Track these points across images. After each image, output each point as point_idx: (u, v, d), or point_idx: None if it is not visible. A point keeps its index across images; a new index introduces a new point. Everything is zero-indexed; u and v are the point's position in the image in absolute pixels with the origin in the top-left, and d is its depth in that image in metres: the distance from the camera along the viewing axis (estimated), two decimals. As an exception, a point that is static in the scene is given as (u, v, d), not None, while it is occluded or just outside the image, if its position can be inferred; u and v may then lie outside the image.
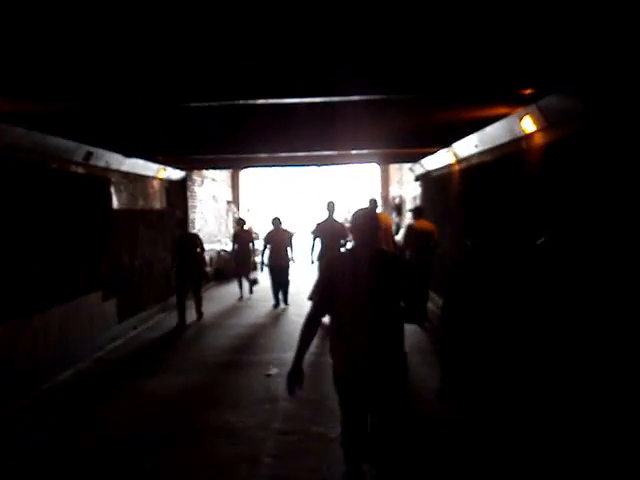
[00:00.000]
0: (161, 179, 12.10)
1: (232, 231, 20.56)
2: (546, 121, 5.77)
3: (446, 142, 9.57)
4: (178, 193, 13.54)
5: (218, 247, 17.93)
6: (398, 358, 3.90)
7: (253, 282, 14.31)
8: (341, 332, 3.86)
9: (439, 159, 10.73)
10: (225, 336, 9.85)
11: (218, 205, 18.69)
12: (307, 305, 4.42)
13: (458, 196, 10.01)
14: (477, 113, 6.71)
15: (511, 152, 7.10)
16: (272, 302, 12.46)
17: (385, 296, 3.78)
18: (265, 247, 12.31)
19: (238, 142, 9.34)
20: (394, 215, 18.61)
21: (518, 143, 6.73)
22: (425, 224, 10.23)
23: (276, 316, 11.58)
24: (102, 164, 9.12)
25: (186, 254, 10.90)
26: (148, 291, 11.30)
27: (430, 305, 10.10)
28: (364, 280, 3.75)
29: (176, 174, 12.99)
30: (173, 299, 11.27)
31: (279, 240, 12.23)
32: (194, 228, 15.14)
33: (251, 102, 5.51)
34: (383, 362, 3.80)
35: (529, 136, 6.35)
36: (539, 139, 6.16)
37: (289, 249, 12.26)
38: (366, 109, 6.43)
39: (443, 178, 11.17)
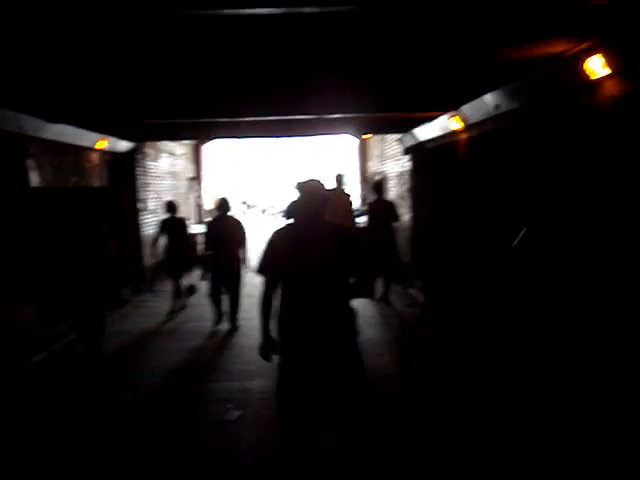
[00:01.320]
0: (101, 151, 10.01)
1: (194, 210, 18.55)
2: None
3: (451, 104, 7.69)
4: (125, 169, 11.45)
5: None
6: (351, 334, 3.85)
7: (189, 291, 10.48)
8: (290, 307, 3.78)
9: (438, 126, 8.85)
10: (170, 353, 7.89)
11: (178, 183, 16.61)
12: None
13: (469, 171, 8.16)
14: (517, 53, 4.78)
15: (561, 110, 5.23)
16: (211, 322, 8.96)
17: (334, 270, 3.70)
18: (208, 242, 8.78)
19: (197, 103, 7.44)
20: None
21: (576, 94, 4.83)
22: (386, 200, 10.97)
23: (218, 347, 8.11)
24: (13, 129, 7.04)
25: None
26: (86, 292, 9.23)
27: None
28: (313, 253, 3.68)
29: (122, 146, 10.89)
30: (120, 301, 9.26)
31: (227, 232, 8.58)
32: (146, 210, 13.08)
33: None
34: (336, 340, 3.74)
35: (597, 83, 4.45)
36: (611, 88, 4.29)
37: (243, 247, 8.63)
38: (347, 60, 4.85)
39: (443, 150, 9.30)
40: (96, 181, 9.89)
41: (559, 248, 5.17)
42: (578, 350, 4.82)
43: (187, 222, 10.69)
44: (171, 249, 9.79)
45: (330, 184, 11.01)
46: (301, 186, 3.90)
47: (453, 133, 8.43)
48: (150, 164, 13.48)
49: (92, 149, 9.60)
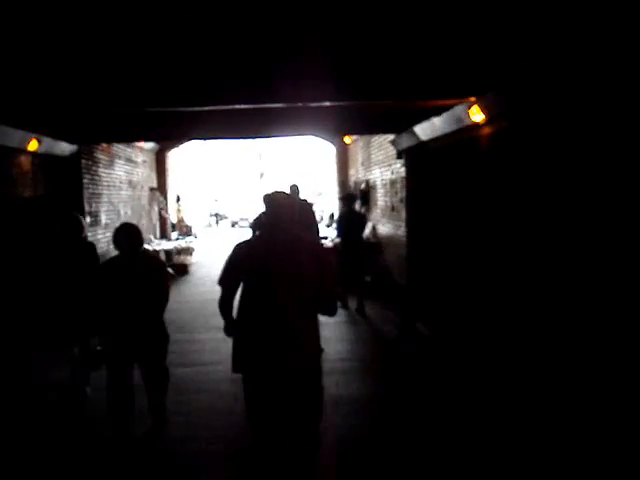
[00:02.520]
0: (33, 154, 8.16)
1: (157, 223, 16.72)
2: None
3: (472, 88, 6.06)
4: (67, 176, 9.59)
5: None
6: (314, 352, 3.86)
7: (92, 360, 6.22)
8: (251, 321, 3.75)
9: (449, 120, 7.19)
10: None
11: (137, 193, 14.77)
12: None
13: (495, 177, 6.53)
14: None
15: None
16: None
17: (301, 284, 3.64)
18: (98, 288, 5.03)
19: (155, 87, 5.78)
20: (357, 204, 15.07)
21: None
22: (356, 212, 11.01)
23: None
24: None
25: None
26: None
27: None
28: (280, 267, 3.63)
29: (62, 148, 9.04)
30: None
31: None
32: (98, 224, 11.23)
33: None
34: (297, 355, 3.71)
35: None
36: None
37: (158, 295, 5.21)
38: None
39: (453, 150, 7.66)
40: (25, 190, 8.03)
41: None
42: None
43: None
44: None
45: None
46: (268, 198, 3.80)
47: (469, 128, 6.79)
48: (102, 172, 11.65)
49: (20, 151, 7.74)
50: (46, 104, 6.16)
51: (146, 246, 14.24)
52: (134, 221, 14.14)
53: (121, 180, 13.19)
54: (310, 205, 10.82)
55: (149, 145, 16.04)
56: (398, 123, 9.18)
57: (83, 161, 10.33)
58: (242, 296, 3.86)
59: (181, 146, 18.31)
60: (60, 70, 5.48)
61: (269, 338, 3.68)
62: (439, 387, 6.27)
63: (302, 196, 10.97)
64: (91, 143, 10.48)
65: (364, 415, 5.56)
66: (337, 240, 10.66)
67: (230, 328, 3.98)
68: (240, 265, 3.77)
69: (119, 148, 13.06)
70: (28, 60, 5.35)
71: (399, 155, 10.12)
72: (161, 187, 17.37)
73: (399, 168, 10.56)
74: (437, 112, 7.44)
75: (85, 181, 10.41)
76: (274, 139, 33.16)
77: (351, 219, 10.40)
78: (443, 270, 8.44)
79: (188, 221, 18.75)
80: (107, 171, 12.02)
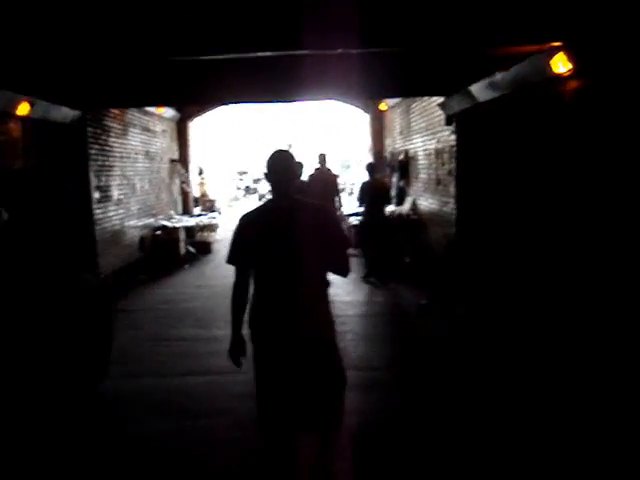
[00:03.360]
0: (24, 119, 7.00)
1: (179, 198, 15.63)
2: None
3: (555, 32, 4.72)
4: (70, 145, 8.46)
5: (155, 223, 12.94)
6: (330, 329, 3.48)
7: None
8: (264, 298, 3.40)
9: (521, 74, 5.84)
10: None
11: (155, 165, 13.63)
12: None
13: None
14: None
15: None
16: None
17: (311, 253, 3.30)
18: None
19: (169, 36, 4.62)
20: (395, 177, 13.77)
21: None
22: (379, 181, 10.57)
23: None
24: None
25: None
26: None
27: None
28: (286, 237, 3.28)
29: (62, 114, 7.88)
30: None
31: None
32: (109, 200, 10.12)
33: None
34: (314, 334, 3.37)
35: None
36: None
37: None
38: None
39: (523, 112, 6.32)
40: (16, 161, 6.91)
41: None
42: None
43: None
44: None
45: (320, 164, 10.83)
46: (268, 160, 3.40)
47: (547, 84, 5.45)
48: (114, 141, 10.51)
49: (8, 115, 6.60)
50: (41, 59, 5.02)
51: (165, 222, 13.17)
52: (152, 196, 13.07)
53: (137, 151, 12.04)
54: (335, 176, 10.98)
55: (169, 113, 14.86)
56: (448, 83, 7.84)
57: (90, 129, 9.18)
58: (255, 283, 3.47)
59: (204, 115, 17.09)
60: (58, 12, 4.33)
61: (281, 312, 3.35)
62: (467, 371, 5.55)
63: (329, 167, 11.12)
64: (99, 109, 9.32)
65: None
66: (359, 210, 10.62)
67: (237, 348, 3.50)
68: (246, 237, 3.40)
69: (134, 116, 11.90)
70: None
71: (448, 121, 8.77)
72: (183, 159, 16.21)
73: (447, 136, 9.23)
74: (501, 65, 6.09)
75: (93, 152, 9.27)
76: (303, 108, 31.68)
77: (372, 189, 10.11)
78: (495, 251, 7.19)
79: (212, 195, 17.60)
80: (120, 141, 10.87)
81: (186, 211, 15.99)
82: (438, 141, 9.84)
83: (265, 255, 3.34)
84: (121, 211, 10.77)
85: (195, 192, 16.80)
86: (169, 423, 4.64)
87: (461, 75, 7.26)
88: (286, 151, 3.50)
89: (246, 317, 3.49)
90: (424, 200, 11.28)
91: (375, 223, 10.06)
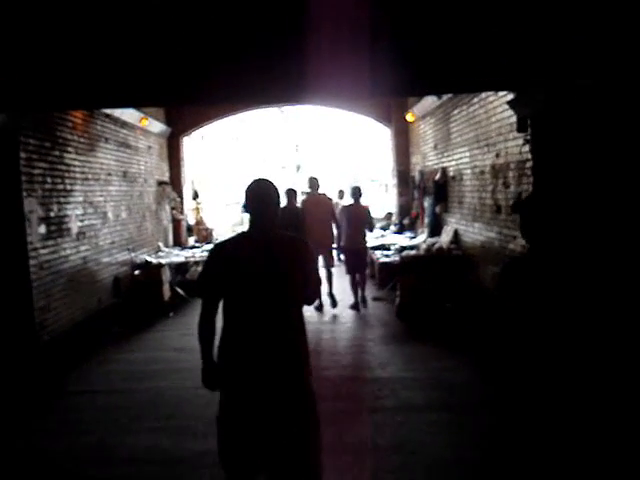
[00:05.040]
0: None
1: (169, 227, 13.25)
2: None
3: None
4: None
5: (136, 259, 10.54)
6: (304, 364, 3.25)
7: None
8: (234, 331, 3.21)
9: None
10: None
11: (137, 189, 11.25)
12: None
13: None
14: None
15: None
16: None
17: (285, 286, 3.20)
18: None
19: None
20: (428, 201, 11.35)
21: None
22: (361, 206, 9.90)
23: None
24: None
25: None
26: None
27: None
28: (260, 268, 3.15)
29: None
30: None
31: None
32: (66, 235, 7.72)
33: None
34: (286, 370, 3.17)
35: None
36: None
37: None
38: None
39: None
40: None
41: None
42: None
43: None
44: None
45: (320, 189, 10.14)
46: (247, 190, 3.29)
47: None
48: (74, 159, 8.15)
49: None
50: None
51: (148, 258, 10.79)
52: (131, 227, 10.69)
53: (110, 171, 9.66)
54: (330, 200, 10.28)
55: (157, 127, 12.54)
56: (523, 69, 5.41)
57: (32, 141, 6.82)
58: (224, 316, 3.25)
59: (200, 129, 14.79)
60: None
61: (251, 346, 3.13)
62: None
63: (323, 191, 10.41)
64: (42, 111, 6.95)
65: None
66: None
67: (210, 374, 3.23)
68: (218, 268, 3.21)
69: (106, 127, 9.56)
70: None
71: (521, 126, 6.31)
72: (174, 181, 13.83)
73: (513, 147, 6.79)
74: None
75: (36, 172, 6.89)
76: (315, 123, 29.27)
77: (356, 212, 9.69)
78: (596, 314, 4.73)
79: (209, 223, 15.16)
80: (83, 158, 8.51)
81: (178, 242, 13.57)
82: (498, 155, 7.40)
83: (237, 286, 3.18)
84: (84, 247, 8.38)
85: (189, 219, 14.38)
86: None
87: (544, 58, 4.87)
88: (266, 180, 3.35)
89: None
90: (472, 231, 8.81)
91: (355, 250, 9.67)
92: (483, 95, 7.82)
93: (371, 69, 5.13)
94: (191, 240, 14.05)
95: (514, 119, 6.67)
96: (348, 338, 8.28)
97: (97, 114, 9.12)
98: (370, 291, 10.82)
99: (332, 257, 9.99)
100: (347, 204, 10.31)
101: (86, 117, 8.66)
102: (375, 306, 9.93)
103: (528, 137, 6.33)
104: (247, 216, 3.42)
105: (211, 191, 17.51)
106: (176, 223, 13.65)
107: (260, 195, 3.22)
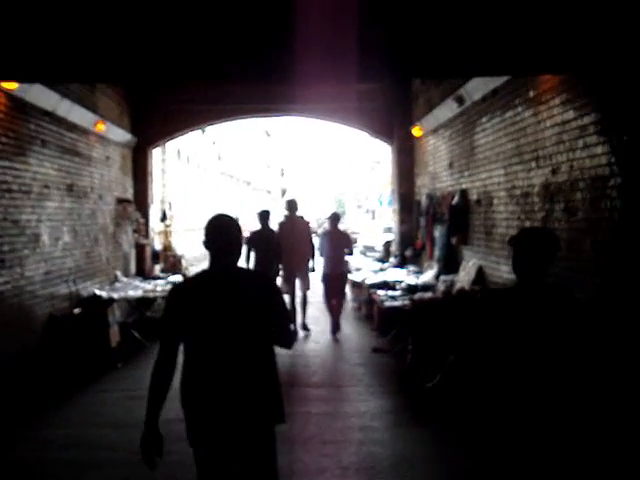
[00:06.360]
0: None
1: (131, 253, 11.23)
2: None
3: None
4: None
5: (82, 291, 8.51)
6: (271, 414, 3.12)
7: None
8: (197, 374, 3.07)
9: None
10: None
11: (88, 206, 9.23)
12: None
13: None
14: None
15: None
16: None
17: (253, 324, 3.08)
18: None
19: None
20: (439, 231, 9.46)
21: None
22: (340, 231, 10.19)
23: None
24: None
25: None
26: None
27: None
28: (223, 306, 3.04)
29: None
30: None
31: None
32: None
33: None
34: (252, 419, 3.06)
35: None
36: None
37: None
38: None
39: None
40: None
41: None
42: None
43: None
44: None
45: (285, 212, 10.10)
46: (207, 226, 3.17)
47: None
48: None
49: None
50: None
51: (98, 291, 8.77)
52: (77, 252, 8.66)
53: (47, 182, 7.66)
54: (307, 224, 10.17)
55: (119, 136, 10.59)
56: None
57: None
58: (186, 360, 3.08)
59: (173, 140, 12.86)
60: None
61: (217, 389, 3.00)
62: None
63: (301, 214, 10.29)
64: None
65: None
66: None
67: (150, 444, 2.94)
68: (179, 310, 3.04)
69: (44, 127, 7.59)
70: None
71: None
72: (139, 199, 11.82)
73: (584, 159, 4.91)
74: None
75: None
76: (304, 143, 27.97)
77: (335, 237, 9.85)
78: None
79: (179, 249, 13.08)
80: (3, 163, 6.52)
81: (141, 271, 11.50)
82: (555, 171, 5.49)
83: (198, 327, 3.03)
84: (1, 279, 6.36)
85: (156, 244, 12.34)
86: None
87: None
88: (227, 216, 3.30)
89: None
90: (505, 270, 6.87)
91: (335, 275, 9.67)
92: (531, 94, 5.95)
93: (360, 51, 4.63)
94: (157, 269, 11.99)
95: (586, 120, 4.81)
96: (342, 416, 6.17)
97: (30, 109, 7.16)
98: (368, 339, 8.93)
99: (308, 279, 9.75)
100: (326, 230, 10.53)
101: (11, 111, 6.69)
102: (375, 361, 7.91)
103: (615, 143, 4.44)
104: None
105: (184, 213, 15.51)
106: (139, 248, 11.58)
107: (220, 231, 3.15)
